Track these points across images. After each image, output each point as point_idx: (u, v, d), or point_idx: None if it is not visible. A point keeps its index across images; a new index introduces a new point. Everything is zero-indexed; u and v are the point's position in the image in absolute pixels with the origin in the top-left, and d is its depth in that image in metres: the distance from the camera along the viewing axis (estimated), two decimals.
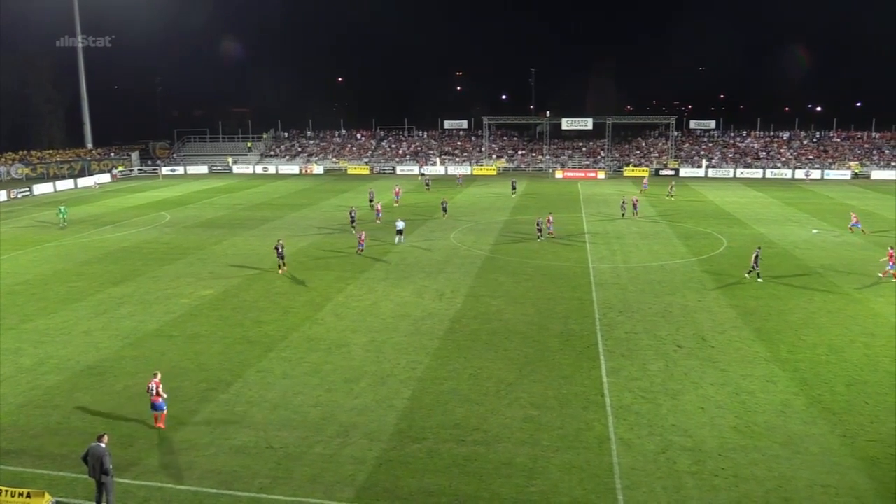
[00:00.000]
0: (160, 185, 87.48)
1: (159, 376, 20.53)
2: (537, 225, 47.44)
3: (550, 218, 48.88)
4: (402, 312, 30.76)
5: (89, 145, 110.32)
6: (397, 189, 69.30)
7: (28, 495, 16.35)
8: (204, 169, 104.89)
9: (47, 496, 16.40)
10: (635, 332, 27.84)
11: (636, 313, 30.38)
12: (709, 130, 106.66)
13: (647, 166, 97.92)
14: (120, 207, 66.35)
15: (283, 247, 38.58)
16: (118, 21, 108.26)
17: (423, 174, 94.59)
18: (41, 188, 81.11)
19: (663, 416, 20.36)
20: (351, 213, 51.59)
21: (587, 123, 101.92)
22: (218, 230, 52.42)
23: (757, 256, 35.72)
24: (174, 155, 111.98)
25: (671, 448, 18.52)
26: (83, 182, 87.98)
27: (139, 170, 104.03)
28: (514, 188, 72.94)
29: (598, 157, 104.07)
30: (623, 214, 56.21)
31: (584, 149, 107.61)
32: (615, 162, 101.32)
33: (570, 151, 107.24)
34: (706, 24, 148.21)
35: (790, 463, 17.71)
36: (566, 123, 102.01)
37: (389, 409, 21.14)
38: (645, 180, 78.18)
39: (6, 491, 16.48)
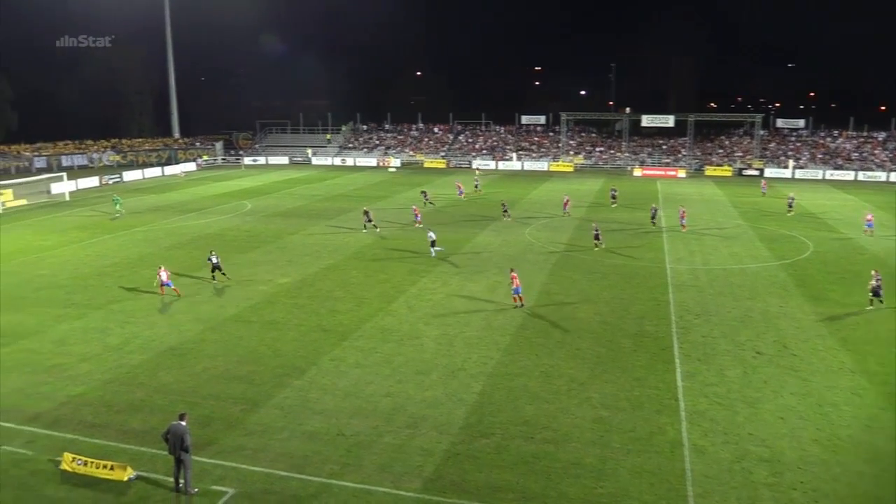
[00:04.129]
0: (242, 174, 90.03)
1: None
2: (595, 231, 43.49)
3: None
4: (475, 307, 30.79)
5: (176, 135, 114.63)
6: (459, 184, 69.07)
7: (111, 468, 17.18)
8: (284, 160, 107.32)
9: (129, 469, 17.19)
10: (713, 337, 27.08)
11: (714, 317, 29.54)
12: (797, 129, 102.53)
13: (730, 165, 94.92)
14: (204, 195, 68.66)
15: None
16: (207, 15, 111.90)
17: (478, 171, 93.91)
18: (130, 175, 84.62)
19: (740, 424, 19.75)
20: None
21: (668, 121, 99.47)
22: (296, 220, 53.59)
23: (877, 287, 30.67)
24: (256, 145, 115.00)
25: (747, 457, 17.95)
26: (170, 170, 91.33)
27: (223, 159, 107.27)
28: (614, 197, 62.44)
29: (679, 155, 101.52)
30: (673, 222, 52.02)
31: (664, 146, 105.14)
32: (696, 161, 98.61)
33: (649, 149, 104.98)
34: (796, 19, 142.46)
35: (875, 481, 16.92)
36: (646, 120, 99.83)
37: (459, 402, 21.21)
38: (764, 183, 74.64)
39: (92, 462, 17.35)
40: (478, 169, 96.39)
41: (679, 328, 28.07)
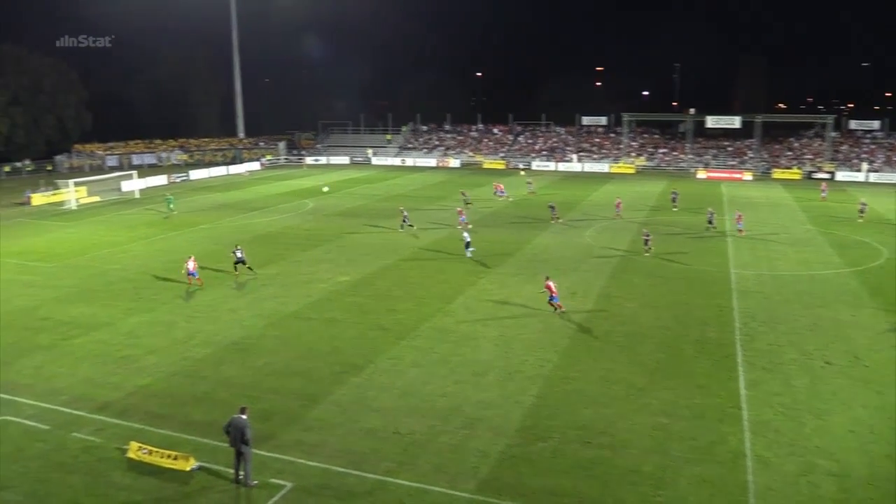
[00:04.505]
0: (304, 174, 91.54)
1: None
2: (645, 237, 42.19)
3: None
4: (533, 309, 30.58)
5: (241, 135, 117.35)
6: (497, 185, 68.46)
7: (175, 458, 17.66)
8: (345, 159, 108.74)
9: (192, 460, 17.64)
10: (779, 345, 26.26)
11: (781, 325, 28.63)
12: (871, 131, 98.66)
13: (799, 168, 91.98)
14: (267, 194, 70.06)
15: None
16: (271, 17, 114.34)
17: (522, 172, 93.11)
18: (197, 174, 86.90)
19: (807, 437, 19.09)
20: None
21: (734, 122, 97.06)
22: (356, 219, 54.20)
23: None
24: (318, 146, 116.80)
25: (814, 471, 17.34)
26: (234, 169, 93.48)
27: (285, 159, 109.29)
28: (674, 201, 60.87)
29: (745, 157, 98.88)
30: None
31: (729, 148, 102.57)
32: (763, 163, 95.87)
33: (714, 151, 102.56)
34: (871, 16, 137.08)
35: None
36: (711, 121, 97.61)
37: (516, 405, 21.10)
38: (824, 186, 71.71)
39: (157, 451, 17.87)
40: (523, 170, 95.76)
41: (743, 335, 27.33)
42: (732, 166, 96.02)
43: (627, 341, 26.59)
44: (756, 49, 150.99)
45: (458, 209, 52.97)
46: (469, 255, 40.54)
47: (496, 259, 40.10)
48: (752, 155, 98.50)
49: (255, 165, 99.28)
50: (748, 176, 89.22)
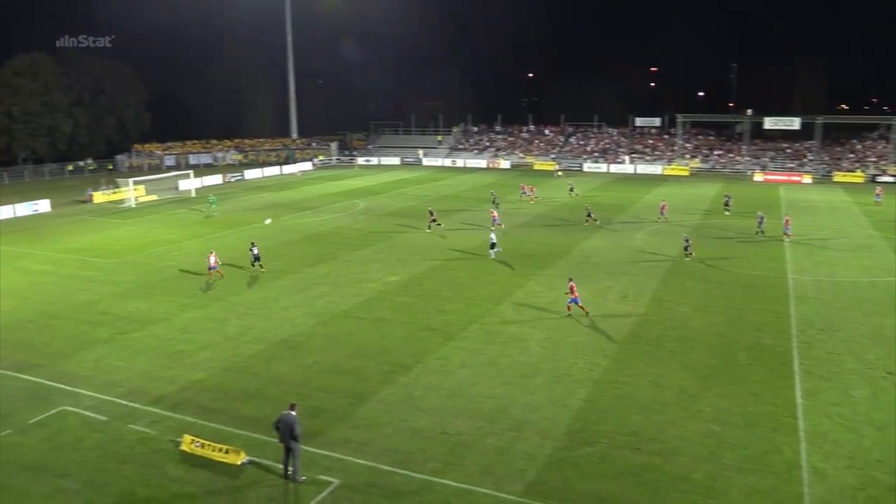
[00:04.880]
0: (355, 174, 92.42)
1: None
2: (685, 242, 40.98)
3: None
4: (582, 312, 30.27)
5: (294, 135, 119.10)
6: (524, 186, 68.08)
7: (226, 451, 18.00)
8: (396, 160, 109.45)
9: (242, 454, 17.96)
10: (838, 353, 25.44)
11: (840, 332, 27.75)
12: None
13: (863, 170, 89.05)
14: (318, 194, 70.93)
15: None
16: (325, 20, 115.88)
17: (559, 173, 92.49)
18: (251, 174, 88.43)
19: (867, 449, 18.45)
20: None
21: (793, 123, 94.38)
22: (406, 219, 54.45)
23: None
24: (369, 146, 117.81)
25: (874, 485, 16.75)
26: (288, 169, 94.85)
27: (337, 159, 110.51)
28: (727, 204, 59.03)
29: (804, 159, 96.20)
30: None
31: (788, 150, 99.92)
32: (824, 166, 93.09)
33: (772, 153, 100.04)
34: None
35: None
36: (769, 122, 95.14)
37: (563, 408, 20.91)
38: (879, 190, 68.90)
39: (209, 445, 18.24)
40: (559, 171, 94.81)
41: (800, 343, 26.57)
42: (791, 169, 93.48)
43: (679, 346, 26.11)
44: (817, 48, 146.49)
45: (491, 210, 52.93)
46: (493, 255, 40.60)
47: (545, 261, 39.82)
48: (811, 157, 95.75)
49: (308, 166, 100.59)
50: (807, 179, 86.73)
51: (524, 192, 66.87)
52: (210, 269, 35.95)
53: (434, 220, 49.44)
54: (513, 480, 17.03)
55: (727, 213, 57.45)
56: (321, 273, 37.12)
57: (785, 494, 16.41)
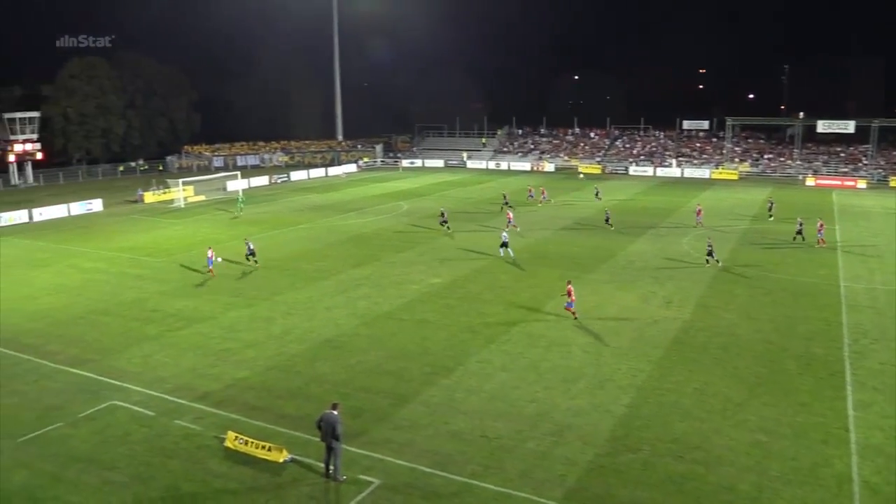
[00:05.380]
0: (399, 176, 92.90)
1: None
2: (709, 247, 39.89)
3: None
4: (626, 316, 29.94)
5: (340, 137, 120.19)
6: (531, 189, 67.60)
7: (269, 449, 18.24)
8: (440, 163, 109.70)
9: (285, 452, 18.17)
10: (892, 364, 24.66)
11: (894, 342, 26.90)
12: None
13: None
14: (363, 196, 71.48)
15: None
16: (371, 22, 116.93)
17: (581, 175, 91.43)
18: (297, 175, 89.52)
19: None
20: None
21: (848, 126, 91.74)
22: (450, 222, 54.42)
23: None
24: (414, 148, 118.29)
25: None
26: (333, 171, 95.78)
27: (382, 161, 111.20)
28: (770, 209, 57.21)
29: (859, 164, 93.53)
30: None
31: (842, 154, 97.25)
32: (879, 170, 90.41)
33: (824, 157, 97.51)
34: None
35: None
36: (822, 126, 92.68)
37: (606, 414, 20.69)
38: None
39: (252, 442, 18.50)
40: (581, 173, 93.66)
41: (853, 352, 25.82)
42: (845, 173, 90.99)
43: (725, 354, 25.62)
44: (873, 49, 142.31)
45: (508, 213, 52.90)
46: (502, 254, 40.76)
47: (588, 265, 39.47)
48: (866, 162, 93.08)
49: (353, 167, 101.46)
50: (862, 184, 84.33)
51: (530, 195, 66.75)
52: (209, 263, 37.44)
53: (445, 222, 50.15)
54: (553, 486, 16.90)
55: (770, 218, 55.84)
56: (364, 274, 37.40)
57: None
